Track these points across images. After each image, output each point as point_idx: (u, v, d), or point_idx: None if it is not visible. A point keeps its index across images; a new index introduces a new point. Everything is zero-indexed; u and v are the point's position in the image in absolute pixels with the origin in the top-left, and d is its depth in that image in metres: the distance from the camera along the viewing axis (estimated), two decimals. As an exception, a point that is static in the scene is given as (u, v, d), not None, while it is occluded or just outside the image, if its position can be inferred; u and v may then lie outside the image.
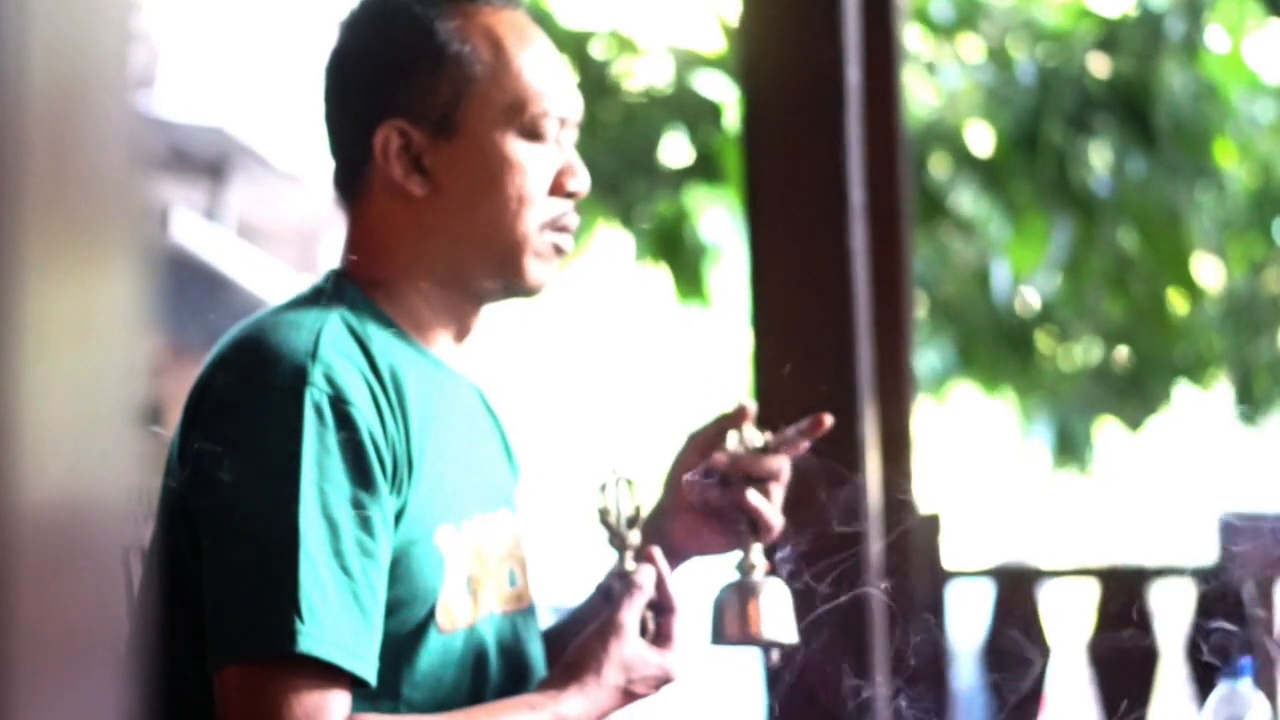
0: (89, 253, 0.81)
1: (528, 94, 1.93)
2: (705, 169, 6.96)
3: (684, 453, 2.06)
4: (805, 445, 2.05)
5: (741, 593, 2.01)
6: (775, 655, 2.04)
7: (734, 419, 2.04)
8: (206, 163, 8.50)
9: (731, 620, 2.01)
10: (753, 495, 2.00)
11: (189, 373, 1.87)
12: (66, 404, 0.79)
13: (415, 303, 1.93)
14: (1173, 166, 7.12)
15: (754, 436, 2.03)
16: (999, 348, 8.13)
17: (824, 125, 3.16)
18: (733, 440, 2.03)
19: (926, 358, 7.93)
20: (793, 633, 2.02)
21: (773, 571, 2.03)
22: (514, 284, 1.94)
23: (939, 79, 7.34)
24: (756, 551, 2.03)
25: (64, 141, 0.80)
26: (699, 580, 2.15)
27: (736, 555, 2.04)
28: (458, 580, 1.86)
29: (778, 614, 2.01)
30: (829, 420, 2.05)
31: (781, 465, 2.03)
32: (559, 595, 2.17)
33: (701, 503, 2.03)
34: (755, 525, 2.02)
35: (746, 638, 2.01)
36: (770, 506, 2.01)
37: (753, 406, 2.04)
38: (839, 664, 3.06)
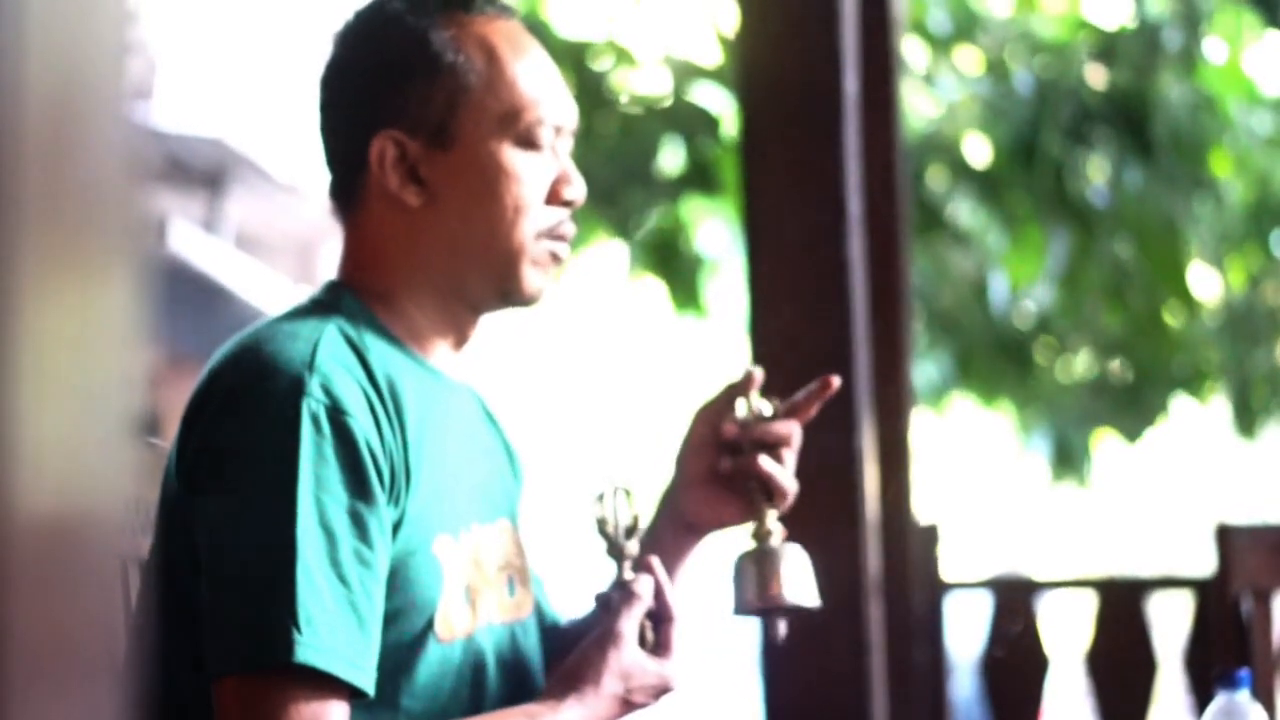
0: (86, 264, 0.81)
1: (523, 103, 1.93)
2: (702, 180, 6.97)
3: (693, 425, 2.06)
4: (815, 409, 2.05)
5: (760, 559, 2.00)
6: (783, 627, 2.02)
7: (741, 387, 2.04)
8: (205, 174, 8.52)
9: (751, 587, 1.99)
10: (765, 461, 2.00)
11: (186, 383, 1.87)
12: (63, 415, 0.79)
13: (412, 312, 1.93)
14: (1170, 178, 7.13)
15: (762, 404, 2.03)
16: (997, 359, 8.13)
17: (821, 136, 3.16)
18: (741, 408, 2.03)
19: (924, 370, 7.93)
20: (814, 596, 2.01)
21: (790, 537, 2.02)
22: (511, 293, 1.94)
23: (937, 90, 7.35)
24: (772, 518, 2.02)
25: (61, 152, 0.80)
26: (717, 554, 2.14)
27: (752, 524, 2.03)
28: (456, 590, 1.86)
29: (799, 578, 2.00)
30: (836, 381, 2.05)
31: (792, 430, 2.03)
32: (559, 606, 2.16)
33: (714, 473, 2.03)
34: (770, 491, 2.01)
35: (768, 604, 1.99)
36: (784, 471, 2.01)
37: (759, 373, 2.04)
38: (837, 675, 3.06)
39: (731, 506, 2.05)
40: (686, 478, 2.06)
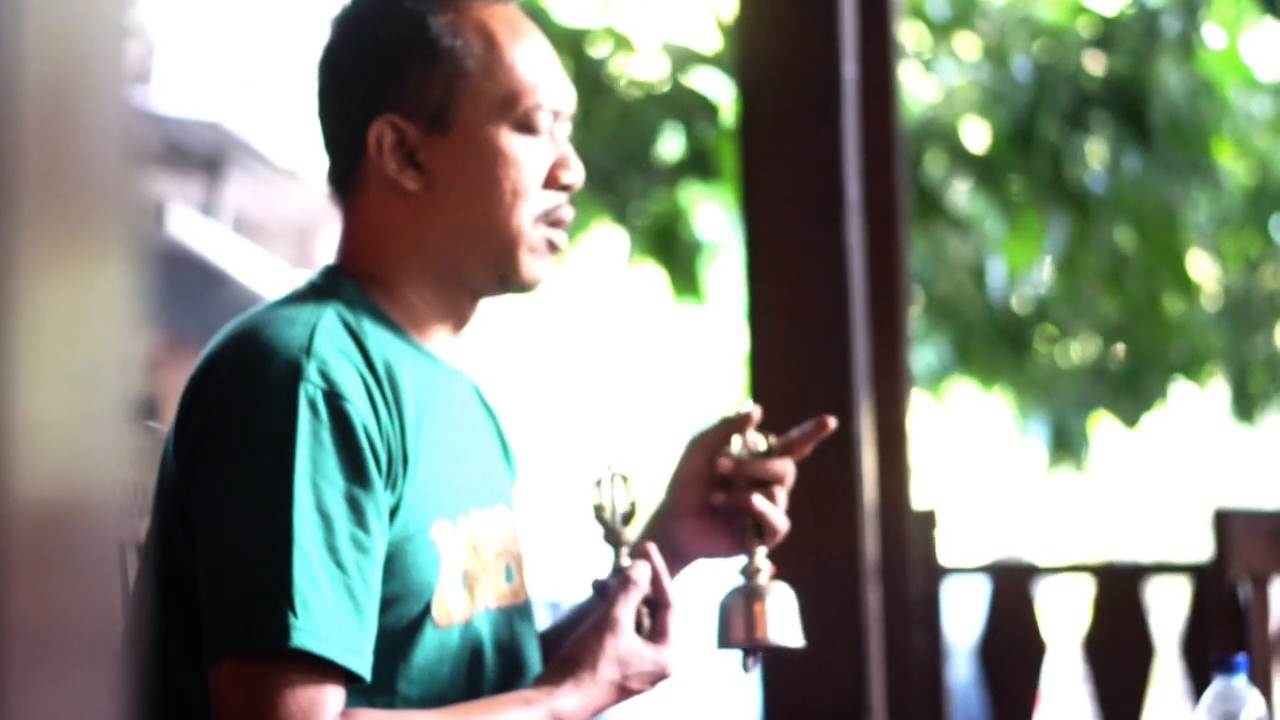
0: (84, 247, 0.81)
1: (521, 87, 1.93)
2: (701, 166, 6.96)
3: (687, 456, 2.07)
4: (809, 448, 2.05)
5: (747, 596, 2.01)
6: (752, 662, 2.03)
7: (739, 423, 2.04)
8: (203, 158, 8.52)
9: (737, 624, 2.00)
10: (759, 499, 2.00)
11: (185, 367, 1.87)
12: (61, 399, 0.79)
13: (411, 298, 1.93)
14: (1169, 164, 7.12)
15: (757, 439, 2.04)
16: (995, 345, 8.13)
17: (820, 122, 3.16)
18: (736, 444, 2.03)
19: (922, 355, 7.93)
20: (799, 636, 2.02)
21: (778, 575, 2.03)
22: (509, 278, 1.94)
23: (935, 76, 7.34)
24: (761, 555, 2.02)
25: (59, 136, 0.80)
26: (704, 584, 2.15)
27: (741, 559, 2.03)
28: (453, 576, 1.86)
29: (784, 617, 2.00)
30: (833, 423, 2.05)
31: (786, 468, 2.03)
32: (555, 591, 2.17)
33: (707, 505, 2.04)
34: (761, 529, 2.02)
35: (752, 641, 2.00)
36: (776, 510, 2.02)
37: (758, 411, 2.04)
38: (835, 660, 3.06)
39: (722, 540, 2.06)
40: (678, 508, 2.06)
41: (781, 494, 2.03)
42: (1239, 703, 2.03)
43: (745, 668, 2.03)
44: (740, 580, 2.02)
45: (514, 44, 1.94)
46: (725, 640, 2.01)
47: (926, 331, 7.94)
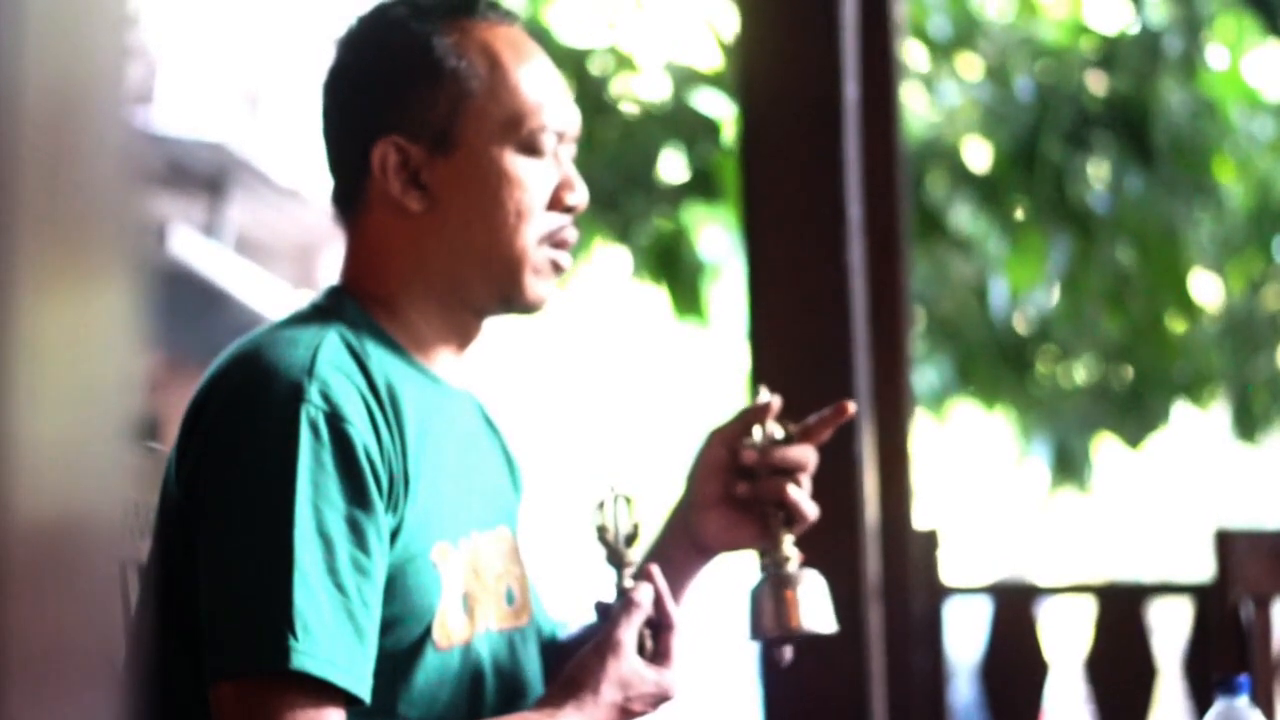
0: (86, 268, 0.81)
1: (525, 108, 1.93)
2: (703, 186, 6.96)
3: (707, 447, 2.06)
4: (829, 433, 2.05)
5: (778, 585, 1.99)
6: (788, 652, 2.02)
7: (758, 413, 2.04)
8: (206, 178, 8.52)
9: (769, 614, 1.99)
10: (791, 488, 2.00)
11: (186, 388, 1.87)
12: (62, 419, 0.79)
13: (414, 318, 1.93)
14: (1171, 184, 7.13)
15: (776, 428, 2.03)
16: (997, 365, 8.13)
17: (822, 142, 3.17)
18: (756, 433, 2.03)
19: (925, 375, 7.93)
20: (832, 622, 2.01)
21: (806, 563, 2.02)
22: (513, 299, 1.94)
23: (937, 96, 7.34)
24: (789, 543, 2.02)
25: (61, 156, 0.80)
26: (727, 578, 2.14)
27: (769, 549, 2.02)
28: (454, 598, 1.86)
29: (816, 604, 1.99)
30: (852, 407, 2.05)
31: (809, 455, 2.03)
32: (557, 613, 2.16)
33: (729, 496, 2.03)
34: (790, 517, 2.01)
35: (787, 631, 1.98)
36: (805, 496, 2.01)
37: (777, 401, 2.04)
38: (837, 680, 3.06)
39: (746, 530, 2.05)
40: (700, 500, 2.05)
41: (806, 481, 2.03)
42: (1242, 724, 2.03)
43: (782, 660, 2.02)
44: (768, 570, 2.01)
45: (518, 65, 1.94)
46: (757, 631, 2.00)
47: (928, 351, 7.94)
